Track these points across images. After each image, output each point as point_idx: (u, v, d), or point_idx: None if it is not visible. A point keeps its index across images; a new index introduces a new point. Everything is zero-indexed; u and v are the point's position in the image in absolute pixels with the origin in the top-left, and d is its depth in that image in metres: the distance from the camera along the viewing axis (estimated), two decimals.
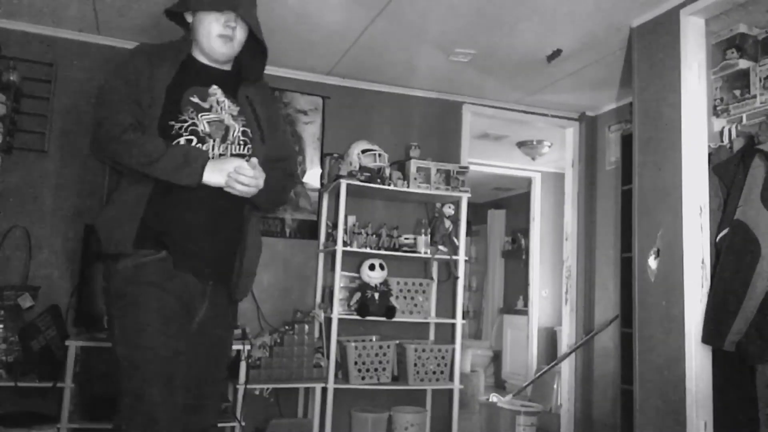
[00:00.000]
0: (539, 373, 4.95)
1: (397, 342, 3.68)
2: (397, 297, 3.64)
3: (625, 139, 3.90)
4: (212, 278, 1.73)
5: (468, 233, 4.03)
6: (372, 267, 3.57)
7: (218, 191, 1.69)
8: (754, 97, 2.81)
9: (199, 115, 1.72)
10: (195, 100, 1.73)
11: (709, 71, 2.89)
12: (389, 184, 3.60)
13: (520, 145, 5.38)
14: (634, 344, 2.91)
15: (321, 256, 3.79)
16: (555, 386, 4.66)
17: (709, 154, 2.75)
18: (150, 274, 1.65)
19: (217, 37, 1.76)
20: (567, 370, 4.32)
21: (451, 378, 3.66)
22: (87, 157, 3.41)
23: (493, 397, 4.55)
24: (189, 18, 1.83)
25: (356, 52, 3.52)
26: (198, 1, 1.77)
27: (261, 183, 1.70)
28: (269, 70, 2.01)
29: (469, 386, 5.38)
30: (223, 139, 1.74)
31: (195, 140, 1.70)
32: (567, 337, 4.39)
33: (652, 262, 2.83)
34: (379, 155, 3.63)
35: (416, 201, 3.96)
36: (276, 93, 2.00)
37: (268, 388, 3.38)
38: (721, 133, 2.88)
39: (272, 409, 3.50)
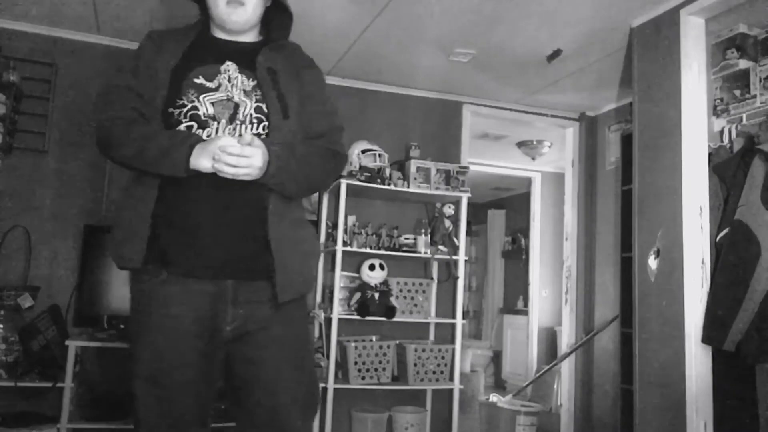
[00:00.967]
0: (539, 373, 4.95)
1: (397, 342, 3.68)
2: (397, 297, 3.64)
3: (625, 139, 3.90)
4: (231, 277, 1.52)
5: (468, 233, 4.03)
6: (372, 267, 3.57)
7: (228, 182, 1.47)
8: (754, 97, 2.81)
9: (201, 96, 1.53)
10: (199, 81, 1.54)
11: (709, 71, 2.89)
12: (389, 184, 3.60)
13: (520, 145, 5.39)
14: (634, 344, 2.91)
15: (321, 256, 3.78)
16: (555, 386, 4.66)
17: (709, 154, 2.75)
18: (152, 301, 1.53)
19: (225, 5, 1.57)
20: (567, 370, 4.32)
21: (451, 378, 3.66)
22: (87, 157, 3.43)
23: (493, 397, 4.55)
24: None
25: (356, 52, 3.52)
26: None
27: (256, 162, 1.44)
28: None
29: (469, 386, 5.38)
30: (231, 120, 1.53)
31: (195, 125, 1.51)
32: (567, 337, 4.39)
33: (652, 262, 2.83)
34: (379, 155, 3.63)
35: (416, 201, 3.96)
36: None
37: None
38: (721, 133, 2.88)
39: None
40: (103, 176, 3.44)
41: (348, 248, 3.50)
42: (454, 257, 3.79)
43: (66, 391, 2.84)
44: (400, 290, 3.68)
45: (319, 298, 3.73)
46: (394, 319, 3.58)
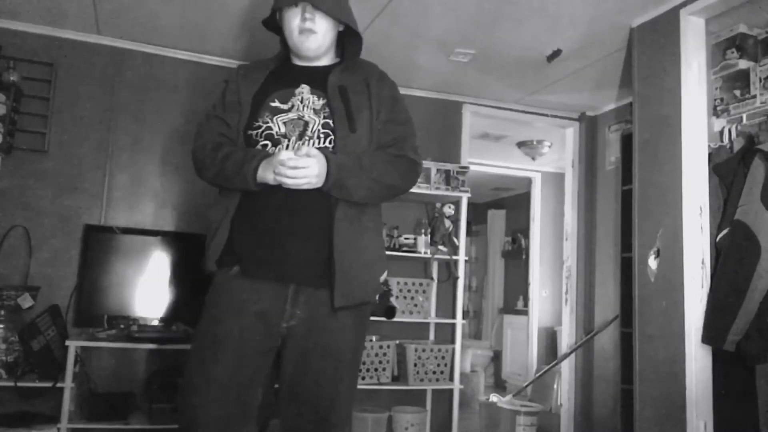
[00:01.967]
0: (539, 373, 4.95)
1: (397, 342, 3.68)
2: (397, 297, 3.64)
3: (625, 139, 3.89)
4: (294, 281, 1.63)
5: (468, 233, 4.03)
6: None
7: (298, 192, 1.60)
8: (754, 97, 2.81)
9: (275, 117, 1.69)
10: (275, 104, 1.71)
11: (709, 71, 2.89)
12: None
13: (520, 145, 5.38)
14: (634, 344, 2.91)
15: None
16: (555, 386, 4.65)
17: (709, 154, 2.75)
18: (222, 289, 1.67)
19: (298, 34, 1.74)
20: (567, 370, 4.32)
21: (451, 378, 3.67)
22: (87, 157, 3.44)
23: (493, 397, 4.55)
24: (279, 22, 1.81)
25: None
26: (276, 0, 1.78)
27: (312, 171, 1.56)
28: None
29: (469, 386, 5.39)
30: (300, 136, 1.67)
31: (269, 144, 1.67)
32: (567, 337, 4.39)
33: (652, 262, 2.83)
34: None
35: (416, 201, 3.96)
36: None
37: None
38: (721, 133, 2.88)
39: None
40: (103, 176, 3.44)
41: None
42: (454, 257, 3.79)
43: (66, 391, 2.83)
44: (400, 290, 3.68)
45: None
46: (394, 319, 3.58)
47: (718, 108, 2.94)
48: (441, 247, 3.75)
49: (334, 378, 1.65)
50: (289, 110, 1.70)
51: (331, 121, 1.69)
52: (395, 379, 3.62)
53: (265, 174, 1.60)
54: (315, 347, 1.65)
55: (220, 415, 1.58)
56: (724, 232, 2.62)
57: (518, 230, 7.26)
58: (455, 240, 3.82)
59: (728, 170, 2.68)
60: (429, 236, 3.76)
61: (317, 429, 1.64)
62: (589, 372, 4.26)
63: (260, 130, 1.69)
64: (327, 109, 1.70)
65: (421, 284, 3.76)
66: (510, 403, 4.28)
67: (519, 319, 6.79)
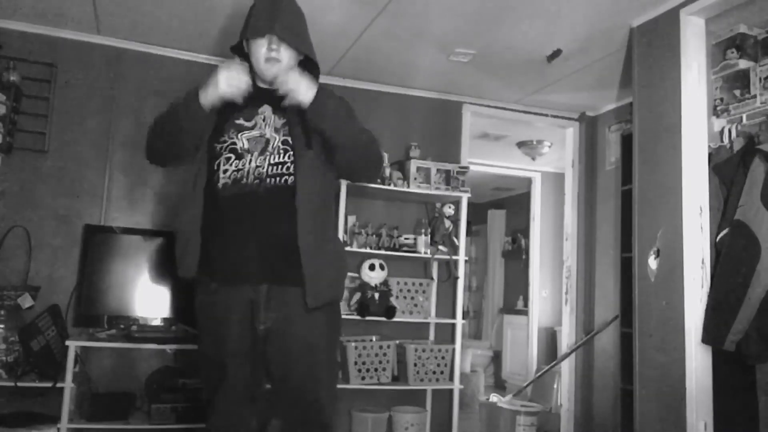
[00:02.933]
0: (539, 373, 4.95)
1: (397, 342, 3.68)
2: (397, 297, 3.64)
3: (625, 139, 3.89)
4: (265, 281, 1.81)
5: (468, 233, 4.03)
6: (372, 267, 3.57)
7: (260, 199, 1.80)
8: (754, 97, 2.80)
9: (240, 134, 1.86)
10: (239, 121, 1.88)
11: (709, 71, 2.89)
12: (389, 184, 3.61)
13: (520, 145, 5.38)
14: (634, 344, 2.91)
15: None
16: (555, 386, 4.66)
17: (709, 154, 2.75)
18: (205, 308, 1.89)
19: (264, 61, 1.88)
20: (567, 370, 4.32)
21: (451, 378, 3.67)
22: (87, 157, 3.44)
23: (493, 397, 4.55)
24: (246, 49, 1.95)
25: (356, 52, 3.52)
26: (244, 31, 1.92)
27: (242, 79, 1.80)
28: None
29: (469, 386, 5.39)
30: (262, 152, 1.84)
31: (233, 157, 1.84)
32: (567, 337, 4.39)
33: (652, 262, 2.83)
34: None
35: (416, 201, 3.96)
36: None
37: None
38: (721, 133, 2.88)
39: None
40: (103, 176, 3.44)
41: (348, 248, 3.49)
42: (454, 257, 3.80)
43: (66, 391, 2.83)
44: (400, 290, 3.68)
45: None
46: (394, 319, 3.58)
47: (718, 108, 2.94)
48: (441, 247, 3.75)
49: (314, 366, 1.85)
50: (252, 128, 1.88)
51: (290, 138, 1.86)
52: (395, 379, 3.62)
53: (207, 92, 1.78)
54: (293, 344, 1.83)
55: (235, 414, 1.85)
56: (724, 232, 2.62)
57: (518, 230, 7.26)
58: (455, 240, 3.82)
59: (728, 170, 2.68)
60: (429, 236, 3.76)
61: (309, 411, 1.86)
62: (589, 372, 4.26)
63: (225, 144, 1.86)
64: (286, 128, 1.87)
65: (421, 284, 3.76)
66: (510, 403, 4.28)
67: (519, 319, 6.79)
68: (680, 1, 2.78)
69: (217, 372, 1.84)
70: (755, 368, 2.60)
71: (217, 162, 1.85)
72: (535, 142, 5.29)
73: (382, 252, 3.62)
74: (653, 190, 2.88)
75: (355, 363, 3.42)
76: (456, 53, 3.50)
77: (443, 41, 3.37)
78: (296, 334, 1.83)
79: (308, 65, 1.99)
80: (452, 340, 3.78)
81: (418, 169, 3.72)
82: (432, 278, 3.89)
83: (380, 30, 3.23)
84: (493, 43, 3.37)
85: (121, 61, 3.53)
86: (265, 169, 1.82)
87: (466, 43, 3.39)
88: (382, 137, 3.80)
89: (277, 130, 1.87)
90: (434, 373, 3.60)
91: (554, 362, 4.62)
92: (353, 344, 3.43)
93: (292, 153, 1.85)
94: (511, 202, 7.67)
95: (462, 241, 3.83)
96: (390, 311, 3.55)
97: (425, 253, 3.71)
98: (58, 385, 2.82)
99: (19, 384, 2.81)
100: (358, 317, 3.50)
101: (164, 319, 3.26)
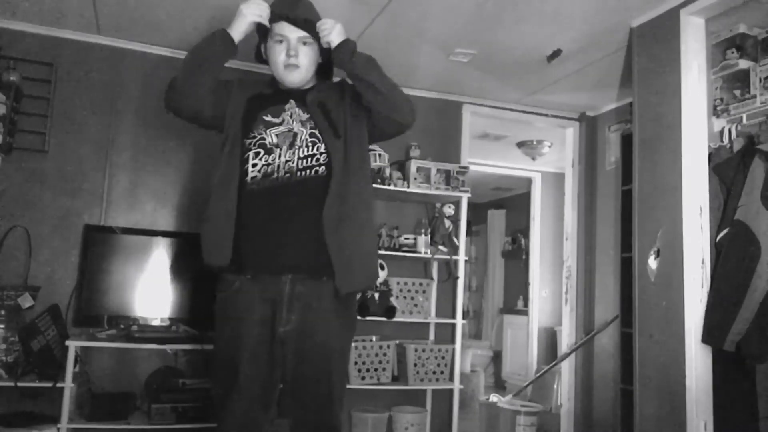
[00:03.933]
0: (539, 373, 4.95)
1: (397, 342, 3.68)
2: (397, 297, 3.64)
3: (625, 139, 3.90)
4: (291, 272, 1.83)
5: (468, 233, 4.03)
6: None
7: (291, 192, 1.85)
8: (754, 97, 2.80)
9: (268, 129, 1.91)
10: (267, 118, 1.93)
11: (709, 71, 2.89)
12: (389, 184, 3.60)
13: (520, 145, 5.38)
14: (634, 344, 2.91)
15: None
16: (555, 386, 4.65)
17: (709, 154, 2.75)
18: (228, 306, 1.89)
19: (283, 68, 1.94)
20: (567, 370, 4.32)
21: (451, 378, 3.67)
22: (87, 157, 3.44)
23: (493, 397, 4.55)
24: (265, 56, 2.02)
25: None
26: (261, 31, 1.99)
27: (262, 6, 1.90)
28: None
29: (469, 386, 5.39)
30: (291, 146, 1.89)
31: (262, 152, 1.89)
32: (567, 337, 4.39)
33: (652, 262, 2.83)
34: (379, 155, 3.63)
35: (416, 201, 3.96)
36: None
37: None
38: (721, 133, 2.88)
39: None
40: (103, 176, 3.44)
41: None
42: (454, 257, 3.79)
43: (66, 391, 2.83)
44: (400, 290, 3.68)
45: None
46: (394, 319, 3.58)
47: (718, 108, 2.94)
48: (441, 247, 3.75)
49: (328, 370, 1.87)
50: (280, 123, 1.93)
51: (317, 131, 1.91)
52: (395, 379, 3.62)
53: (235, 25, 1.89)
54: (310, 347, 1.85)
55: (250, 416, 1.84)
56: (724, 232, 2.62)
57: (518, 230, 7.26)
58: (455, 240, 3.81)
59: (728, 170, 2.68)
60: (429, 236, 3.76)
61: (319, 413, 1.87)
62: (589, 372, 4.26)
63: (255, 140, 1.91)
64: (312, 122, 1.93)
65: (421, 284, 3.76)
66: (510, 403, 4.28)
67: (519, 319, 6.79)
68: (680, 1, 2.78)
69: (230, 375, 1.83)
70: (755, 368, 2.60)
71: (245, 156, 1.89)
72: (535, 142, 5.29)
73: (382, 252, 3.62)
74: (653, 190, 2.88)
75: (355, 363, 3.42)
76: (456, 53, 3.50)
77: (443, 41, 3.37)
78: (315, 340, 1.85)
79: (321, 72, 2.06)
80: (452, 340, 3.78)
81: (418, 169, 3.71)
82: (432, 278, 3.89)
83: (380, 30, 3.23)
84: (493, 43, 3.37)
85: (121, 61, 3.53)
86: (295, 163, 1.87)
87: (466, 43, 3.39)
88: None
89: (303, 124, 1.92)
90: (434, 373, 3.60)
91: (554, 362, 4.62)
92: (353, 344, 3.43)
93: (320, 145, 1.89)
94: (511, 202, 7.67)
95: (462, 241, 3.83)
96: (390, 311, 3.55)
97: (425, 253, 3.71)
98: (58, 385, 2.82)
99: (19, 384, 2.81)
100: (358, 317, 3.49)
101: (164, 319, 3.26)
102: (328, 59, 2.02)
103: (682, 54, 2.75)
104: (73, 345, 2.88)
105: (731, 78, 2.90)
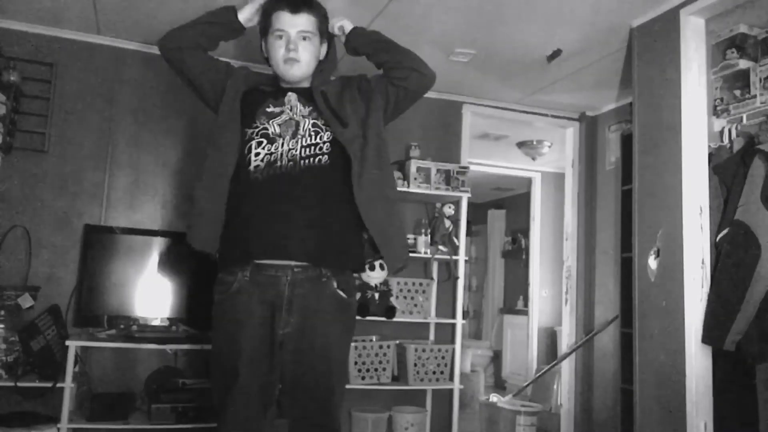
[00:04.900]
0: (539, 373, 4.95)
1: (397, 342, 3.68)
2: (397, 297, 3.64)
3: (625, 139, 3.90)
4: (294, 259, 1.83)
5: (468, 233, 4.03)
6: (372, 267, 3.56)
7: (294, 180, 1.84)
8: (754, 97, 2.80)
9: (271, 120, 1.92)
10: (269, 109, 1.94)
11: (709, 71, 2.89)
12: None
13: (520, 145, 5.38)
14: (634, 344, 2.91)
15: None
16: (555, 386, 4.65)
17: (709, 154, 2.75)
18: (226, 307, 1.86)
19: (284, 63, 1.93)
20: (567, 370, 4.32)
21: (451, 378, 3.67)
22: (87, 157, 3.44)
23: (493, 397, 4.55)
24: (265, 53, 2.00)
25: None
26: (264, 23, 1.99)
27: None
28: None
29: (469, 386, 5.39)
30: (294, 135, 1.90)
31: (265, 141, 1.89)
32: (567, 337, 4.39)
33: (652, 262, 2.83)
34: None
35: (416, 201, 3.96)
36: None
37: None
38: (721, 133, 2.88)
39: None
40: (103, 176, 3.44)
41: None
42: (454, 257, 3.79)
43: (66, 391, 2.83)
44: (400, 290, 3.68)
45: None
46: (394, 319, 3.58)
47: (718, 108, 2.94)
48: (441, 247, 3.75)
49: (327, 372, 1.87)
50: (281, 113, 1.93)
51: (319, 122, 1.92)
52: (395, 379, 3.62)
53: (247, 7, 1.97)
54: (309, 349, 1.85)
55: (250, 417, 1.83)
56: (724, 232, 2.62)
57: (518, 230, 7.26)
58: (455, 240, 3.81)
59: (728, 170, 2.68)
60: (429, 236, 3.76)
61: (318, 415, 1.87)
62: (589, 372, 4.26)
63: (257, 130, 1.90)
64: (315, 113, 1.93)
65: (421, 284, 3.76)
66: (510, 403, 4.28)
67: (519, 319, 6.79)
68: (680, 1, 2.78)
69: (228, 376, 1.82)
70: (755, 368, 2.60)
71: (248, 146, 1.89)
72: (535, 142, 5.29)
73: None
74: (653, 190, 2.88)
75: (355, 363, 3.42)
76: (456, 53, 3.50)
77: (443, 41, 3.37)
78: (314, 342, 1.85)
79: (325, 64, 2.08)
80: (452, 340, 3.78)
81: (418, 169, 3.72)
82: (432, 278, 3.89)
83: (380, 30, 3.22)
84: (493, 43, 3.37)
85: (121, 61, 3.53)
86: (298, 152, 1.87)
87: (466, 43, 3.39)
88: None
89: (305, 117, 1.93)
90: (434, 373, 3.60)
91: (554, 362, 4.62)
92: (353, 344, 3.43)
93: (323, 134, 1.90)
94: (511, 202, 7.67)
95: (462, 241, 3.83)
96: (390, 311, 3.54)
97: (425, 253, 3.71)
98: (58, 385, 2.82)
99: (19, 384, 2.81)
100: (358, 317, 3.49)
101: (164, 319, 3.26)
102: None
103: (682, 54, 2.75)
104: (73, 345, 2.88)
105: (731, 78, 2.90)
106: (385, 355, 3.53)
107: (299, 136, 1.89)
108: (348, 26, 2.04)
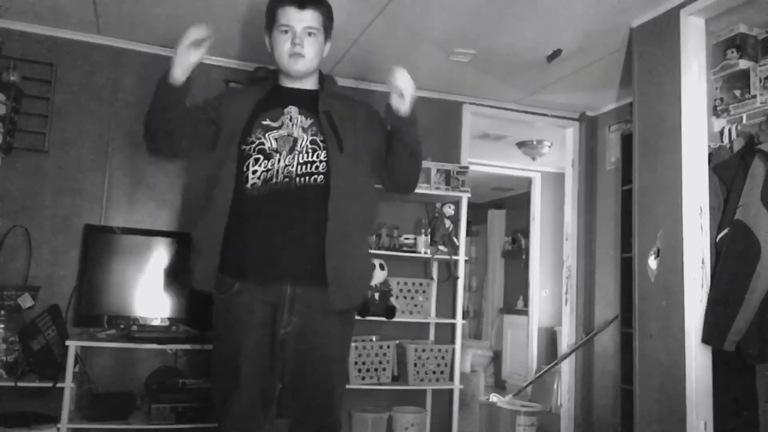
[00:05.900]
0: (539, 373, 4.95)
1: (397, 342, 3.68)
2: (397, 297, 3.64)
3: (625, 139, 3.90)
4: (294, 281, 1.82)
5: (468, 233, 4.03)
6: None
7: (290, 198, 1.83)
8: (754, 97, 2.80)
9: (267, 133, 1.88)
10: (266, 122, 1.90)
11: (709, 71, 2.89)
12: None
13: (520, 145, 5.38)
14: (634, 344, 2.91)
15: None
16: (555, 386, 4.66)
17: (709, 154, 2.75)
18: (228, 308, 1.86)
19: (288, 57, 1.92)
20: (567, 370, 4.32)
21: (451, 378, 3.67)
22: (87, 157, 3.43)
23: (493, 397, 4.55)
24: (269, 47, 1.98)
25: (356, 52, 3.52)
26: (270, 16, 1.96)
27: (192, 32, 1.80)
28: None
29: (469, 386, 5.38)
30: (291, 151, 1.86)
31: (262, 157, 1.86)
32: (567, 337, 4.39)
33: (652, 262, 2.83)
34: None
35: (416, 201, 3.96)
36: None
37: None
38: (721, 133, 2.88)
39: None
40: (103, 176, 3.44)
41: None
42: (454, 257, 3.79)
43: (66, 391, 2.83)
44: (400, 290, 3.68)
45: None
46: (394, 319, 3.57)
47: (718, 108, 2.94)
48: (441, 247, 3.75)
49: (328, 372, 1.88)
50: (279, 128, 1.90)
51: (318, 139, 1.89)
52: (395, 379, 3.62)
53: (173, 70, 1.80)
54: (310, 349, 1.85)
55: (250, 417, 1.84)
56: (724, 232, 2.62)
57: (518, 230, 7.26)
58: (455, 240, 3.81)
59: (728, 170, 2.68)
60: (429, 236, 3.76)
61: (318, 415, 1.88)
62: (589, 372, 4.26)
63: (253, 145, 1.87)
64: (314, 128, 1.91)
65: (421, 284, 3.76)
66: (510, 403, 4.28)
67: (519, 319, 6.79)
68: (680, 1, 2.78)
69: (230, 377, 1.82)
70: (755, 368, 2.60)
71: (246, 164, 1.86)
72: (535, 142, 5.29)
73: (382, 252, 3.62)
74: (653, 190, 2.88)
75: (355, 363, 3.42)
76: (456, 53, 3.50)
77: (443, 41, 3.37)
78: (315, 342, 1.85)
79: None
80: (452, 340, 3.78)
81: None
82: (432, 278, 3.89)
83: (380, 30, 3.23)
84: (493, 43, 3.37)
85: (121, 61, 3.53)
86: (294, 168, 1.85)
87: (466, 43, 3.39)
88: None
89: (304, 130, 1.90)
90: (434, 373, 3.60)
91: (554, 362, 4.62)
92: (353, 344, 3.43)
93: (321, 153, 1.88)
94: (511, 202, 7.67)
95: (462, 241, 3.83)
96: (390, 311, 3.54)
97: (425, 253, 3.71)
98: (58, 385, 2.82)
99: (19, 384, 2.80)
100: (358, 317, 3.49)
101: (164, 319, 3.26)
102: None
103: (682, 54, 2.75)
104: (73, 345, 2.88)
105: (731, 78, 2.90)
106: (385, 355, 3.53)
107: (296, 152, 1.87)
108: (405, 107, 1.96)
